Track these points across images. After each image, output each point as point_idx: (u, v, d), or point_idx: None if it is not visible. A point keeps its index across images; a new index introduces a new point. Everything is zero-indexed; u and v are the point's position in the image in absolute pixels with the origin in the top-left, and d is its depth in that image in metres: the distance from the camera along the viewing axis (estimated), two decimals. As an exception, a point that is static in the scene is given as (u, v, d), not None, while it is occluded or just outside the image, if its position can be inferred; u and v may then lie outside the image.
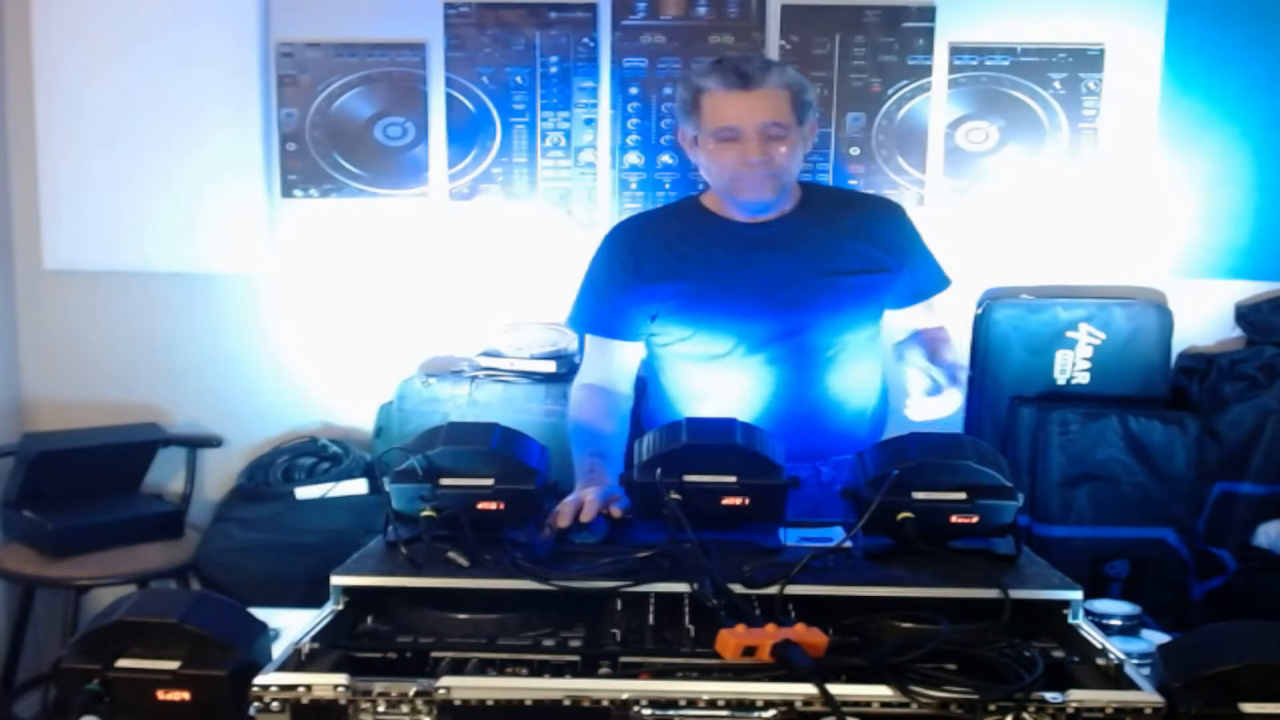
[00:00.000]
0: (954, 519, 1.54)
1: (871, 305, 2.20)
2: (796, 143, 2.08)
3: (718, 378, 2.15)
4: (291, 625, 1.47)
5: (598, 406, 2.17)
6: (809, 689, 1.20)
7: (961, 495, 1.54)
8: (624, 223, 2.33)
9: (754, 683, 1.22)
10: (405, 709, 1.21)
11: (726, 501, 1.59)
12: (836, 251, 2.15)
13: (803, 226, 2.16)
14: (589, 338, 2.27)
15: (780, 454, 1.65)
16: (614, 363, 2.22)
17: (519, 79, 3.17)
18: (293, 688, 1.22)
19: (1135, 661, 1.33)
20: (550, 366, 3.00)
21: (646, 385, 2.32)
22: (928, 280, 2.25)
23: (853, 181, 3.14)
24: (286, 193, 3.23)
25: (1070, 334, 3.04)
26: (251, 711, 1.23)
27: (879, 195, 2.38)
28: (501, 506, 1.58)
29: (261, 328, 3.27)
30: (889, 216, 2.25)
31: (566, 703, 1.21)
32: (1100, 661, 1.33)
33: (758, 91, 2.03)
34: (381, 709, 1.21)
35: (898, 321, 2.24)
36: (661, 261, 2.17)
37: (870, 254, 2.16)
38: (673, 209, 2.31)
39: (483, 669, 1.30)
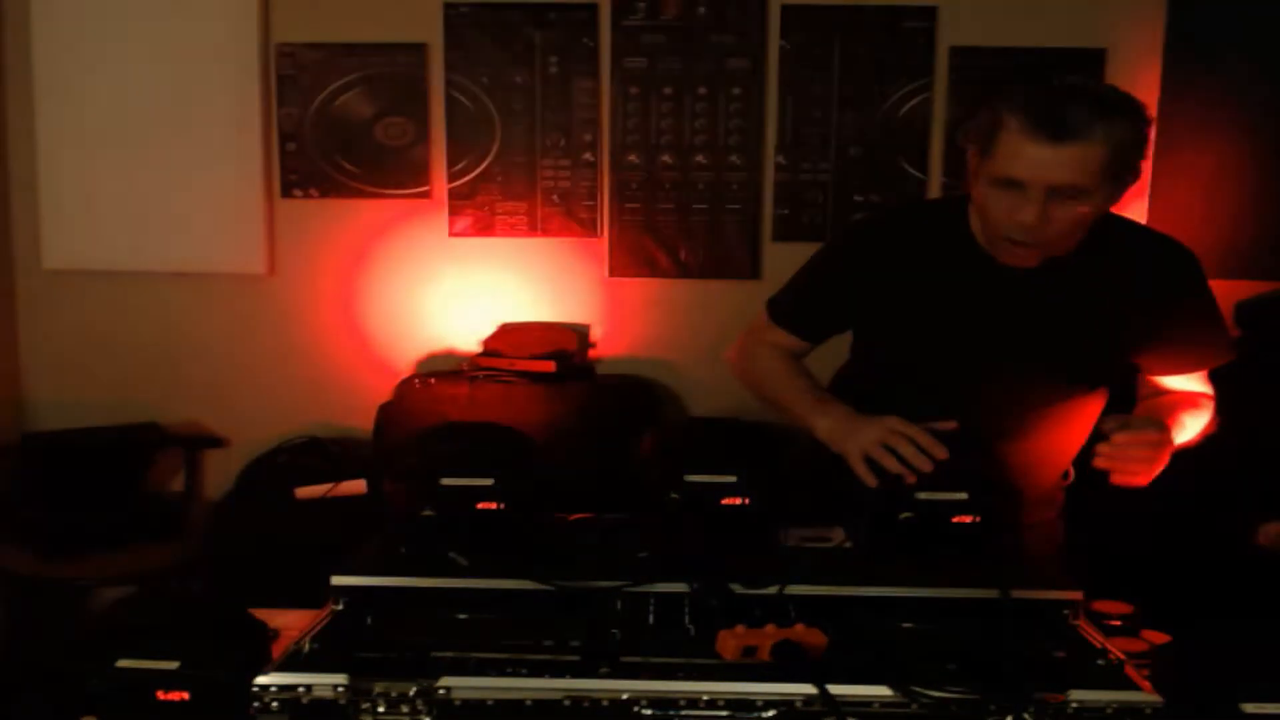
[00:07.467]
0: (955, 519, 1.54)
1: (1111, 376, 1.89)
2: (1089, 211, 1.66)
3: (905, 406, 1.79)
4: (291, 625, 1.47)
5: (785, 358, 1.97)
6: (809, 689, 1.20)
7: (963, 495, 1.54)
8: (885, 217, 2.05)
9: (754, 683, 1.22)
10: (405, 709, 1.21)
11: (726, 501, 1.59)
12: (1094, 316, 1.78)
13: (1068, 280, 1.77)
14: (768, 321, 2.00)
15: (781, 454, 1.65)
16: (788, 350, 2.00)
17: (519, 79, 3.17)
18: (293, 688, 1.22)
19: (1135, 662, 1.33)
20: (550, 366, 3.00)
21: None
22: (1199, 353, 1.85)
23: (853, 182, 3.14)
24: (286, 193, 3.23)
25: (1070, 334, 3.03)
26: (251, 711, 1.23)
27: (1170, 243, 1.84)
28: (502, 506, 1.58)
29: (261, 328, 3.27)
30: (1172, 274, 1.81)
31: (566, 703, 1.21)
32: (1100, 661, 1.33)
33: (1069, 146, 1.59)
34: (381, 709, 1.21)
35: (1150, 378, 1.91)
36: (899, 276, 1.84)
37: (1134, 321, 1.79)
38: (939, 215, 1.90)
39: (483, 669, 1.30)
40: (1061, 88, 1.65)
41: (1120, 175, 1.65)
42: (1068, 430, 1.92)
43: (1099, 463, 1.65)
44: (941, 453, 1.61)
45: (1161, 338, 1.81)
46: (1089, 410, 1.90)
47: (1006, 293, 1.79)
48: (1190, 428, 1.80)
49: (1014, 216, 1.65)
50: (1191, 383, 1.87)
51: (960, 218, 1.80)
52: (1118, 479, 1.65)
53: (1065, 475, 2.02)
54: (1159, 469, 1.67)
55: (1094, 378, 1.86)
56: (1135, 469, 1.65)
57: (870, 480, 1.63)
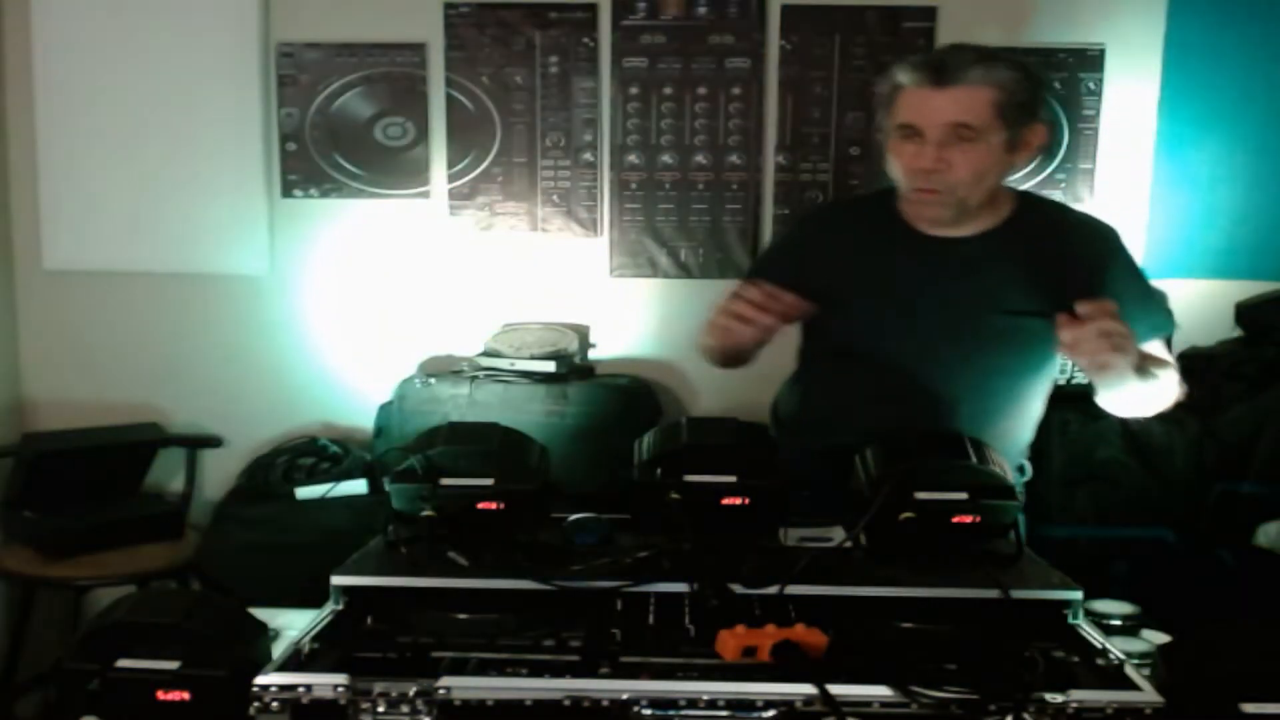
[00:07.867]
0: (955, 519, 1.54)
1: (1051, 356, 1.93)
2: (988, 152, 1.79)
3: (854, 388, 1.94)
4: (291, 625, 1.47)
5: None
6: (809, 689, 1.20)
7: (963, 495, 1.54)
8: (820, 210, 2.31)
9: (754, 683, 1.22)
10: (405, 709, 1.21)
11: (726, 501, 1.59)
12: (1029, 286, 1.86)
13: (997, 251, 1.89)
14: None
15: (781, 453, 1.65)
16: None
17: (519, 79, 3.17)
18: (293, 688, 1.22)
19: (1135, 661, 1.33)
20: (550, 367, 3.00)
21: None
22: (1137, 321, 1.82)
23: (853, 182, 3.14)
24: (286, 193, 3.23)
25: (1070, 334, 3.03)
26: (251, 711, 1.23)
27: (1092, 218, 2.02)
28: (502, 506, 1.58)
29: (261, 328, 3.27)
30: (1097, 245, 1.93)
31: (566, 703, 1.21)
32: (1100, 661, 1.33)
33: (953, 89, 1.76)
34: (381, 709, 1.21)
35: None
36: (837, 262, 1.97)
37: (1063, 291, 1.80)
38: (871, 203, 2.04)
39: (483, 669, 1.30)
40: (945, 46, 1.97)
41: (1014, 122, 1.80)
42: (1015, 415, 1.96)
43: (1062, 347, 1.72)
44: (762, 293, 1.77)
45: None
46: (1034, 395, 1.96)
47: (938, 267, 1.89)
48: (1151, 366, 1.84)
49: (915, 164, 1.81)
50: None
51: (894, 201, 1.93)
52: (1083, 362, 1.73)
53: (1022, 469, 2.06)
54: (1122, 353, 1.70)
55: (1033, 353, 1.91)
56: (1097, 346, 1.67)
57: (726, 336, 1.83)
